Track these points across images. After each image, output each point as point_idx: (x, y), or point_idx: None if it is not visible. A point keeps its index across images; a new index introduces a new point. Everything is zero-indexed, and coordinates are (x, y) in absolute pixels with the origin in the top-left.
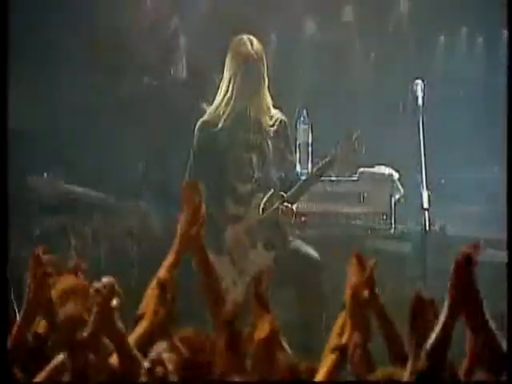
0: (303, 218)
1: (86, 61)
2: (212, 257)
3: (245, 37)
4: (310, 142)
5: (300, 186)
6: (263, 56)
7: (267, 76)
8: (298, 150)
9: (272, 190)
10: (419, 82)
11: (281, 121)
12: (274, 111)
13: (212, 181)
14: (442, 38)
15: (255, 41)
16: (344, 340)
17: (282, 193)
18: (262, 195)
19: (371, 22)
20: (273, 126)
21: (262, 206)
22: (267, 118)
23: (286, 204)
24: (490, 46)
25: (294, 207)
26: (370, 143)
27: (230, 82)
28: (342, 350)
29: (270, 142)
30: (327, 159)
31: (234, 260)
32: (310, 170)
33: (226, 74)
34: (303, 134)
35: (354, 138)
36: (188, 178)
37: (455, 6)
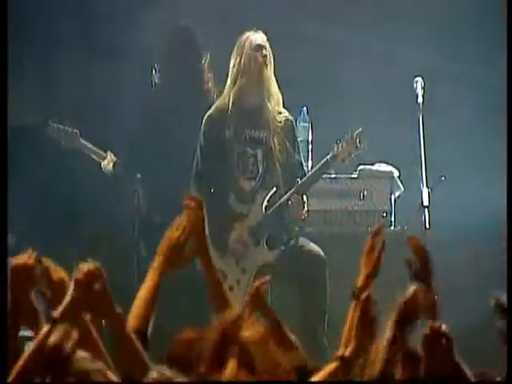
0: (303, 216)
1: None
2: (215, 256)
3: (250, 32)
4: (310, 140)
5: (312, 175)
6: (268, 50)
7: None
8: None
9: (275, 189)
10: (419, 79)
11: (288, 119)
12: (282, 110)
13: (217, 177)
14: (443, 35)
15: (260, 36)
16: (348, 352)
17: (298, 179)
18: (265, 193)
19: (371, 19)
20: (280, 123)
21: (265, 204)
22: (275, 116)
23: (296, 195)
24: (489, 45)
25: (305, 198)
26: (370, 141)
27: (235, 77)
28: (344, 361)
29: (276, 139)
30: (330, 156)
31: (237, 258)
32: (310, 169)
33: (232, 70)
34: (303, 132)
35: (355, 135)
36: (194, 173)
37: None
